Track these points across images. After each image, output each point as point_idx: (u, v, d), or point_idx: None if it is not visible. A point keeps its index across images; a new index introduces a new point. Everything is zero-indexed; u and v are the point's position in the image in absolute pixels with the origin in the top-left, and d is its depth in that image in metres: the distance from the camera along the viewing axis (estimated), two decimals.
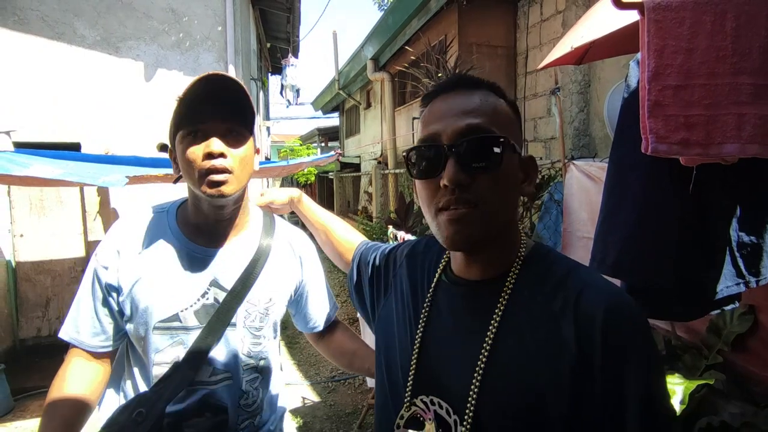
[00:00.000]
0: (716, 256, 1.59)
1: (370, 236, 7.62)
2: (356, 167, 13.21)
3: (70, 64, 5.17)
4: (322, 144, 20.13)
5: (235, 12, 5.76)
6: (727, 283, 1.60)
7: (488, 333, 0.81)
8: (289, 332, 6.35)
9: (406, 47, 7.18)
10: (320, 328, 1.56)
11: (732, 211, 1.56)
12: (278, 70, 13.18)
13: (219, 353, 1.25)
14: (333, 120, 17.73)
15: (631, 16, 1.43)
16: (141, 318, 1.22)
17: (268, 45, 11.21)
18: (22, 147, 4.69)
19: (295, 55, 11.60)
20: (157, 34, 5.42)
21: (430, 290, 0.96)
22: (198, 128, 1.15)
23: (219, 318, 1.25)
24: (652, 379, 0.73)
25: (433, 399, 0.86)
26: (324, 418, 4.40)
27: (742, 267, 1.60)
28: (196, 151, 1.15)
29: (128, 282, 1.22)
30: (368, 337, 3.24)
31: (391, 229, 4.21)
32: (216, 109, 1.16)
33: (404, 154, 0.88)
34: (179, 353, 1.22)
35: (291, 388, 5.01)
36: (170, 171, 3.49)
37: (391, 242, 4.05)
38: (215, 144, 1.14)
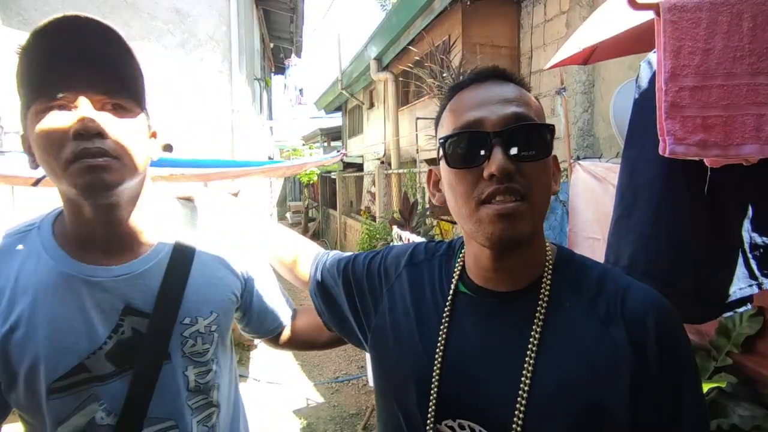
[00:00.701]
0: (729, 257, 1.57)
1: (373, 236, 7.62)
2: (359, 167, 13.22)
3: None
4: (325, 144, 20.14)
5: (239, 12, 5.77)
6: (740, 285, 1.59)
7: (529, 347, 0.76)
8: None
9: (410, 47, 7.19)
10: (278, 329, 1.28)
11: (745, 212, 1.55)
12: (281, 69, 13.24)
13: (154, 398, 0.95)
14: (336, 120, 17.75)
15: (641, 17, 1.42)
16: (27, 383, 0.87)
17: (272, 45, 11.24)
18: None
19: (298, 55, 11.63)
20: (161, 34, 5.43)
21: (447, 304, 0.88)
22: (60, 99, 0.84)
23: (149, 355, 0.94)
24: (699, 383, 0.75)
25: (462, 423, 0.79)
26: (328, 419, 4.39)
27: (755, 268, 1.59)
28: (58, 132, 0.82)
29: None
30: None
31: (395, 229, 4.21)
32: (86, 71, 0.85)
33: (441, 141, 0.80)
34: (93, 414, 0.90)
35: (294, 389, 5.00)
36: (176, 170, 3.48)
37: (395, 242, 4.06)
38: (88, 119, 0.82)
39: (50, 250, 0.93)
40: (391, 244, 4.09)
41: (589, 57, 2.51)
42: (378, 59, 9.36)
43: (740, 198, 1.53)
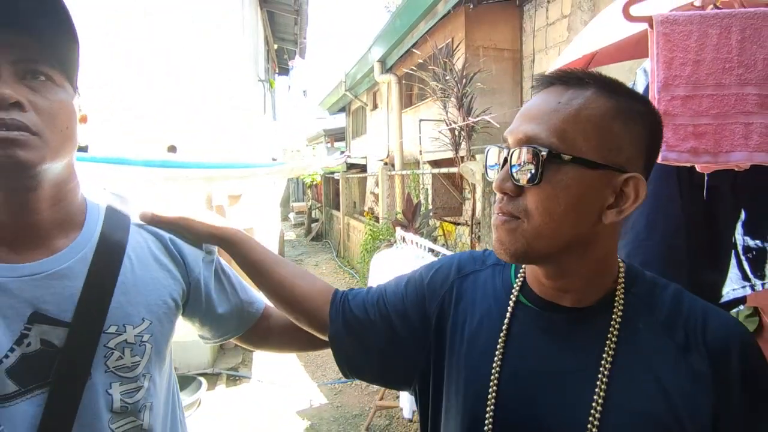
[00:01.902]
0: (723, 259, 1.61)
1: (377, 237, 7.66)
2: (362, 168, 13.26)
3: None
4: (329, 144, 20.19)
5: (244, 15, 5.81)
6: (733, 286, 1.63)
7: (601, 369, 0.72)
8: None
9: (413, 50, 7.23)
10: (250, 323, 1.12)
11: (738, 215, 1.59)
12: (285, 71, 13.26)
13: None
14: (339, 120, 17.80)
15: (639, 26, 1.47)
16: None
17: (275, 46, 11.27)
18: None
19: (303, 57, 11.66)
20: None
21: (507, 315, 0.82)
22: None
23: (70, 372, 0.80)
24: None
25: None
26: (331, 420, 4.43)
27: (748, 270, 1.63)
28: None
29: None
30: None
31: (398, 230, 4.24)
32: (7, 31, 0.74)
33: (488, 150, 0.81)
34: None
35: (298, 390, 5.05)
36: (179, 172, 3.53)
37: (398, 244, 4.10)
38: (3, 86, 0.72)
39: None
40: (395, 245, 4.13)
41: (590, 62, 2.55)
42: (382, 61, 9.40)
43: (733, 202, 1.57)
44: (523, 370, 0.78)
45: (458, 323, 0.87)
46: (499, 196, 0.74)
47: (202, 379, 4.48)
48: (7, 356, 0.76)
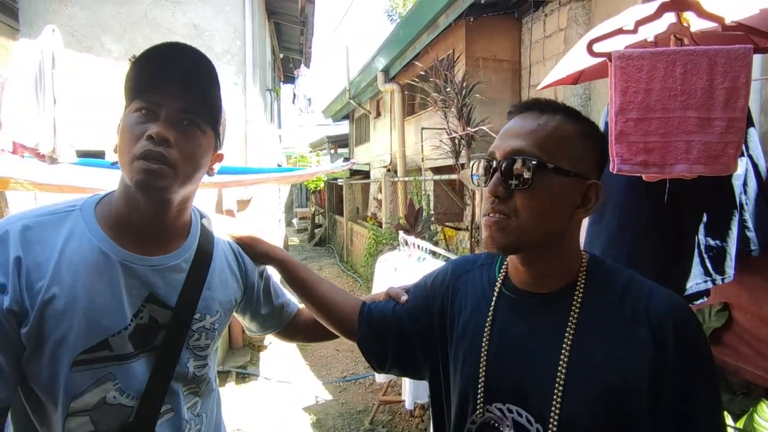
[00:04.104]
0: (687, 257, 1.81)
1: (380, 241, 7.85)
2: (366, 174, 13.41)
3: (96, 75, 5.41)
4: (332, 151, 20.34)
5: (254, 27, 6.03)
6: (696, 281, 1.82)
7: (564, 342, 0.88)
8: None
9: (415, 62, 7.43)
10: (286, 321, 1.40)
11: (700, 219, 1.80)
12: (291, 79, 13.50)
13: None
14: (343, 127, 17.96)
15: None
16: (53, 352, 0.90)
17: (281, 55, 11.50)
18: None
19: (308, 66, 11.88)
20: None
21: (492, 304, 1.00)
22: (149, 105, 0.97)
23: (172, 343, 1.04)
24: (713, 373, 0.86)
25: (510, 407, 0.91)
26: (336, 415, 4.61)
27: (710, 266, 1.83)
28: (137, 130, 0.96)
29: (37, 304, 0.90)
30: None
31: (401, 234, 4.42)
32: (175, 88, 0.98)
33: (473, 162, 0.97)
34: (106, 393, 0.95)
35: (304, 388, 5.23)
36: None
37: (401, 247, 4.29)
38: (161, 127, 0.95)
39: (94, 231, 0.99)
40: (398, 248, 4.31)
41: (578, 78, 2.76)
42: (385, 71, 9.59)
43: (696, 207, 1.78)
44: (504, 346, 0.95)
45: (455, 315, 1.06)
46: (491, 198, 0.90)
47: None
48: (130, 324, 0.98)
